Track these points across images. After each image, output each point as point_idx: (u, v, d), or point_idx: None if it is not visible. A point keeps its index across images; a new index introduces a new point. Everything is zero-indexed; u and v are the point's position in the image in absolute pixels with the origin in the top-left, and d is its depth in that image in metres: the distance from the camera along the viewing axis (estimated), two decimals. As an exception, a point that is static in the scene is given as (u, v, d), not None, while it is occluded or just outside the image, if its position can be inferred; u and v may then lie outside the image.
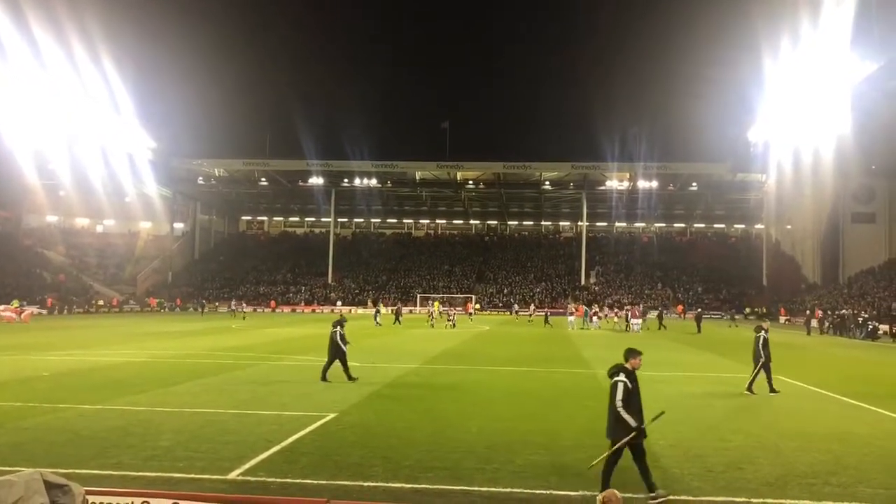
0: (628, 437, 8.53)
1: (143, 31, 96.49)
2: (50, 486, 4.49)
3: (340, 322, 19.48)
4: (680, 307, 79.29)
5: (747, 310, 79.84)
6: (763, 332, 18.16)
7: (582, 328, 50.40)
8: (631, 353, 9.12)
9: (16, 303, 59.36)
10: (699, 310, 56.02)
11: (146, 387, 17.37)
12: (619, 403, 8.54)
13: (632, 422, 8.54)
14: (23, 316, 52.56)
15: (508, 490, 8.90)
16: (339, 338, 18.92)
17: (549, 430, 12.56)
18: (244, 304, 71.65)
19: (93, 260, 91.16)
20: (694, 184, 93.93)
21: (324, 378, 18.46)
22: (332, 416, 13.67)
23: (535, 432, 12.35)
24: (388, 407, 15.08)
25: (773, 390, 17.72)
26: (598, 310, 58.82)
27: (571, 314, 52.84)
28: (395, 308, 58.88)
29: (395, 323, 52.62)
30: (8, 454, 10.27)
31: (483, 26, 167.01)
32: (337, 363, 18.84)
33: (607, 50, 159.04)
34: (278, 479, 9.18)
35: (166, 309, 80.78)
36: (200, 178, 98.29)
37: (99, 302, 77.30)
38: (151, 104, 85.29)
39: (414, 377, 20.39)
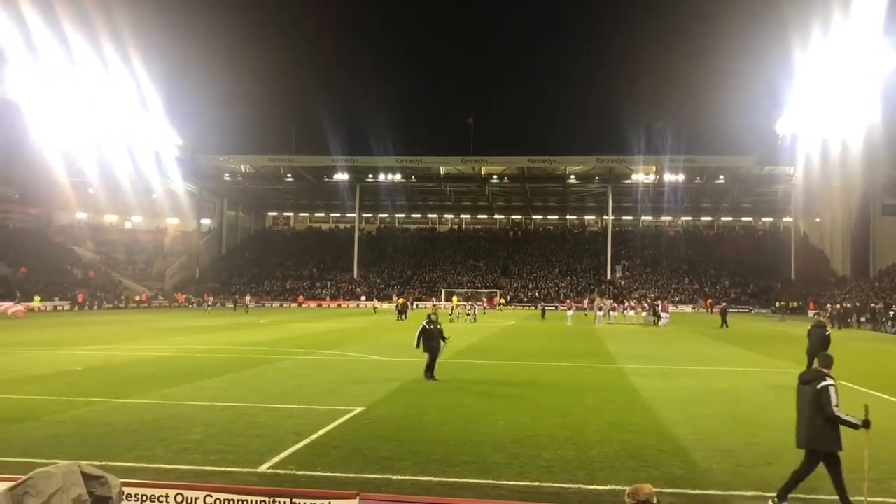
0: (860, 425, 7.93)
1: (172, 29, 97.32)
2: (87, 478, 4.59)
3: (434, 317, 18.88)
4: (707, 301, 78.69)
5: (778, 304, 79.02)
6: (824, 328, 18.38)
7: (609, 322, 50.18)
8: (830, 359, 8.59)
9: (37, 299, 60.31)
10: (724, 304, 55.51)
11: (177, 381, 17.61)
12: (835, 409, 7.95)
13: (855, 420, 7.99)
14: (10, 312, 52.15)
15: (537, 484, 8.92)
16: (417, 332, 18.56)
17: (576, 425, 12.56)
18: (248, 299, 72.50)
19: (121, 256, 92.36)
20: (721, 177, 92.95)
21: (431, 376, 18.05)
22: (359, 409, 13.77)
23: (561, 427, 12.36)
24: (415, 401, 15.16)
25: None
26: (616, 304, 58.12)
27: (600, 308, 52.74)
28: (401, 303, 55.52)
29: (399, 318, 50.93)
30: (45, 446, 10.48)
31: (507, 20, 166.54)
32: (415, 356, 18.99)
33: (633, 42, 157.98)
34: (308, 473, 9.28)
35: (194, 304, 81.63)
36: (227, 174, 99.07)
37: (135, 297, 78.28)
38: (178, 101, 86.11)
39: (440, 372, 20.44)
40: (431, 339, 18.26)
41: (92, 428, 11.96)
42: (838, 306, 53.12)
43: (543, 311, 57.84)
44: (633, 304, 58.01)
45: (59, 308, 65.47)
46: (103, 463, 9.26)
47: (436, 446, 10.79)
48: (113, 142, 77.87)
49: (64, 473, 4.60)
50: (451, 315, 54.37)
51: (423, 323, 18.47)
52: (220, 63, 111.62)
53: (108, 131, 77.23)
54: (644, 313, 54.22)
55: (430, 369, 18.10)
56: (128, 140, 79.60)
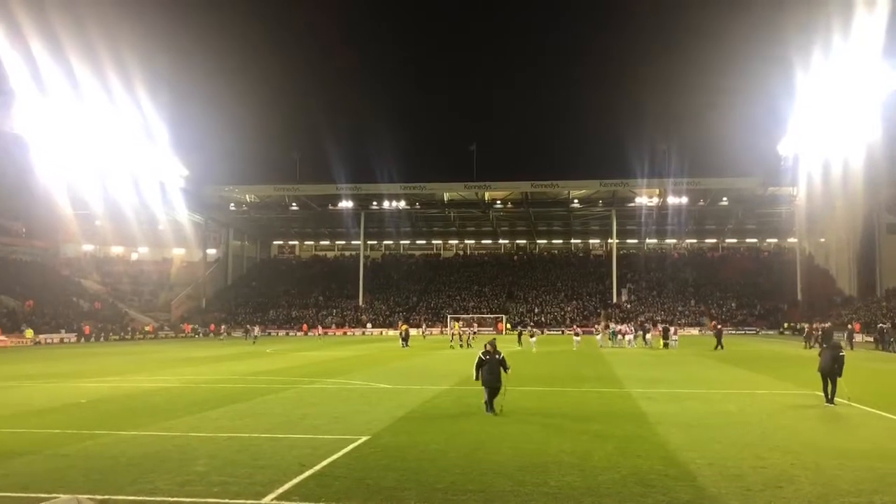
0: None
1: (176, 61, 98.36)
2: (87, 513, 4.56)
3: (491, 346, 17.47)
4: (713, 323, 78.33)
5: (785, 325, 78.63)
6: (839, 349, 18.41)
7: (613, 346, 49.95)
8: None
9: (30, 332, 60.39)
10: (719, 326, 55.24)
11: (181, 412, 17.53)
12: None
13: None
14: None
15: (542, 512, 8.82)
16: (475, 362, 17.35)
17: (582, 451, 12.44)
18: (257, 329, 72.29)
19: (127, 287, 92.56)
20: (724, 198, 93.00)
21: (491, 409, 16.73)
22: (364, 439, 13.67)
23: (567, 453, 12.24)
24: (420, 429, 15.05)
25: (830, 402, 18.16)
26: (622, 327, 57.66)
27: (629, 333, 52.53)
28: (404, 329, 54.09)
29: (403, 345, 50.32)
30: (47, 480, 10.41)
31: (509, 46, 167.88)
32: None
33: (634, 65, 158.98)
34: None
35: (200, 335, 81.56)
36: (232, 204, 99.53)
37: (142, 328, 78.31)
38: (183, 132, 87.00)
39: (445, 399, 20.34)
40: (491, 369, 16.76)
41: (95, 461, 11.89)
42: (822, 325, 52.44)
43: (520, 335, 53.97)
44: (627, 327, 57.22)
45: (65, 340, 65.49)
46: (105, 496, 9.21)
47: (441, 475, 10.69)
48: (118, 174, 78.47)
49: (62, 508, 4.59)
50: (451, 342, 53.98)
51: (480, 353, 17.14)
52: (224, 93, 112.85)
53: (114, 163, 77.86)
54: (634, 336, 53.61)
55: (489, 402, 16.74)
56: (133, 172, 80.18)
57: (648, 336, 52.55)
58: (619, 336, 52.55)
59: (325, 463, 11.53)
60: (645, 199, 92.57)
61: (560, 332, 78.72)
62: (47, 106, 69.68)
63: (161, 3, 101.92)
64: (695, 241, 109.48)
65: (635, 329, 56.00)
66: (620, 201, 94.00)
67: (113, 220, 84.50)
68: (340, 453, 12.30)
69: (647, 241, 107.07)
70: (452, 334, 56.71)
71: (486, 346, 17.28)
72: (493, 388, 16.76)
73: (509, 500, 9.29)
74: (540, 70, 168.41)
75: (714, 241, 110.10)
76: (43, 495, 9.41)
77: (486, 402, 16.82)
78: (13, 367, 33.71)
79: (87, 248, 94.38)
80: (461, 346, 50.94)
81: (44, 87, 68.32)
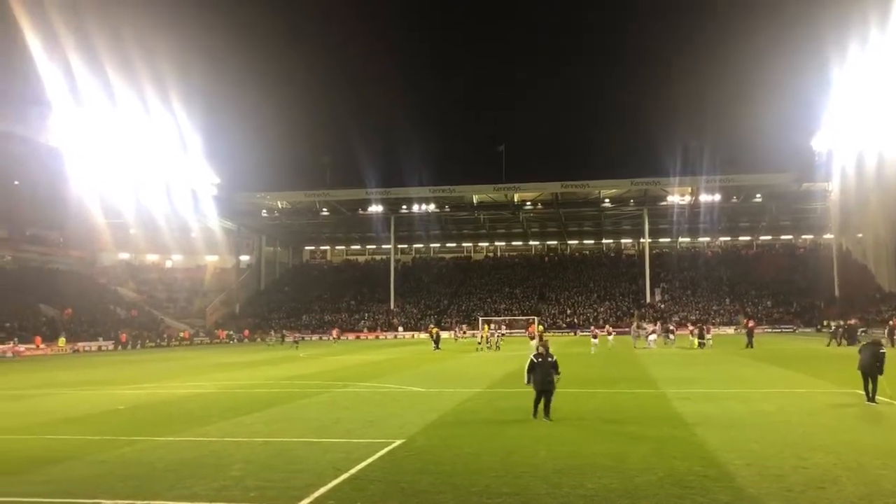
0: None
1: (209, 70, 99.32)
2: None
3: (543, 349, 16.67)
4: (747, 321, 77.22)
5: (825, 322, 77.28)
6: (879, 346, 18.03)
7: (643, 347, 49.29)
8: None
9: (62, 341, 61.45)
10: (750, 324, 54.22)
11: (216, 418, 17.68)
12: None
13: None
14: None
15: (579, 515, 8.73)
16: (526, 366, 16.46)
17: (618, 453, 12.30)
18: (295, 335, 72.27)
19: (163, 294, 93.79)
20: (758, 195, 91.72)
21: (546, 415, 15.94)
22: (398, 442, 13.67)
23: (603, 455, 12.12)
24: (453, 432, 15.01)
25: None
26: (648, 327, 56.75)
27: (653, 333, 51.82)
28: (434, 332, 54.76)
29: (435, 348, 50.63)
30: (88, 487, 10.54)
31: (537, 45, 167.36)
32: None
33: (666, 61, 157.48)
34: None
35: (234, 340, 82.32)
36: (264, 210, 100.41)
37: (178, 335, 79.31)
38: (215, 140, 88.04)
39: (478, 401, 20.28)
40: (542, 373, 15.99)
41: (134, 467, 12.02)
42: (847, 322, 51.23)
43: (541, 336, 54.47)
44: (653, 327, 56.27)
45: (102, 347, 66.50)
46: (143, 502, 9.30)
47: (476, 478, 10.64)
48: (152, 183, 79.73)
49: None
50: (479, 344, 53.54)
51: (532, 356, 16.42)
52: (254, 101, 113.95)
53: (148, 173, 79.10)
54: (661, 335, 52.87)
55: (544, 407, 15.98)
56: (167, 180, 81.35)
57: (672, 337, 51.59)
58: (644, 335, 51.74)
59: (360, 467, 11.54)
60: (677, 198, 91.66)
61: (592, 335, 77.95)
62: (82, 117, 71.04)
63: (194, 14, 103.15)
64: (728, 238, 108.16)
65: (664, 329, 55.23)
66: (652, 200, 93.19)
67: (147, 229, 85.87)
68: (375, 457, 12.31)
69: (680, 239, 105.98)
70: (481, 337, 56.08)
71: (538, 348, 16.68)
72: (545, 392, 16.02)
73: (546, 503, 9.22)
74: (569, 69, 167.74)
75: (748, 238, 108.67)
76: (85, 501, 9.55)
77: (535, 407, 16.12)
78: (52, 375, 34.31)
79: (123, 256, 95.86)
80: (488, 348, 50.66)
81: (79, 99, 69.68)
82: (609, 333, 49.78)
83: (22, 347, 58.47)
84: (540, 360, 16.10)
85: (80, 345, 64.17)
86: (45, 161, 70.82)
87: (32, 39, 64.39)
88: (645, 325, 58.69)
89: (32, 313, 69.48)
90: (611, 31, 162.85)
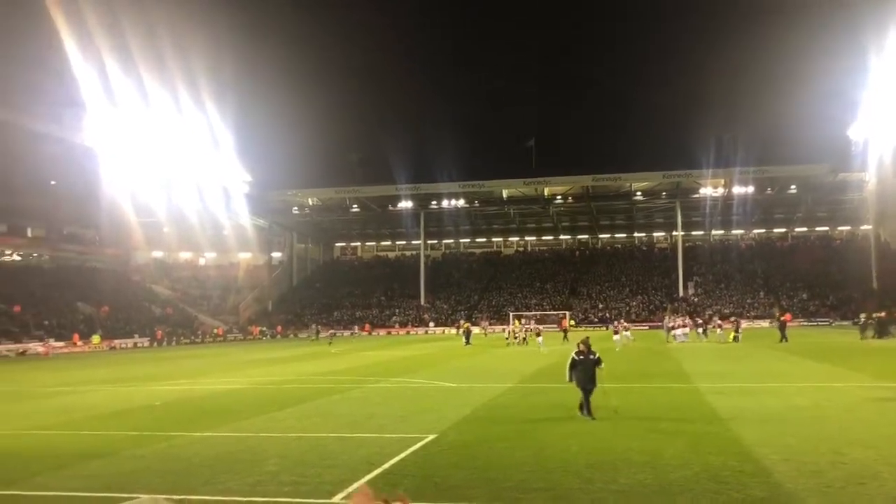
0: None
1: (241, 69, 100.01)
2: (165, 513, 4.66)
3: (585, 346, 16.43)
4: (788, 315, 76.14)
5: (863, 315, 75.81)
6: None
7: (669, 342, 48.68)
8: None
9: (96, 338, 62.36)
10: (783, 318, 53.36)
11: (251, 413, 17.88)
12: None
13: None
14: (43, 350, 55.40)
15: (613, 510, 8.69)
16: (567, 364, 16.32)
17: (652, 448, 12.22)
18: (318, 328, 72.35)
19: (196, 292, 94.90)
20: (793, 186, 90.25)
21: (587, 413, 15.71)
22: (431, 437, 13.71)
23: (637, 450, 12.04)
24: (486, 427, 15.02)
25: None
26: (678, 321, 55.90)
27: (683, 326, 51.26)
28: (466, 328, 55.23)
29: (466, 344, 50.46)
30: (125, 481, 10.73)
31: (566, 38, 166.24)
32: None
33: (696, 51, 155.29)
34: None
35: (267, 337, 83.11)
36: (295, 207, 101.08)
37: (211, 331, 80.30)
38: (245, 138, 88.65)
39: (510, 396, 20.27)
40: (585, 370, 15.81)
41: (171, 462, 12.21)
42: (878, 315, 50.17)
43: (565, 332, 54.20)
44: (682, 321, 55.35)
45: (138, 344, 67.51)
46: (181, 497, 9.44)
47: (508, 473, 10.64)
48: (185, 181, 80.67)
49: (142, 509, 4.70)
50: (507, 339, 53.23)
51: (573, 353, 16.20)
52: (284, 99, 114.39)
53: (181, 171, 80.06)
54: (693, 329, 52.20)
55: (585, 406, 15.73)
56: (199, 179, 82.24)
57: (700, 330, 50.89)
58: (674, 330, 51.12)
59: (393, 461, 11.60)
60: (710, 190, 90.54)
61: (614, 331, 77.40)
62: (116, 117, 72.11)
63: (226, 14, 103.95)
64: (762, 230, 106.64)
65: (696, 323, 54.46)
66: (684, 193, 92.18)
67: (180, 227, 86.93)
68: (408, 452, 12.36)
69: (713, 232, 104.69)
70: (510, 332, 55.77)
71: (578, 345, 16.31)
72: (588, 389, 15.73)
73: (578, 499, 9.19)
74: (598, 61, 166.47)
75: (783, 230, 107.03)
76: (124, 495, 9.72)
77: (581, 405, 15.81)
78: (90, 372, 34.91)
79: (157, 254, 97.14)
80: (516, 343, 50.29)
81: (113, 99, 70.75)
82: (626, 329, 47.76)
83: (60, 344, 59.55)
84: (581, 357, 15.90)
85: (116, 342, 65.18)
86: (81, 161, 72.00)
87: (68, 40, 65.49)
88: (676, 319, 58.01)
89: (70, 311, 70.74)
90: (641, 22, 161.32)
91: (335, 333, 70.74)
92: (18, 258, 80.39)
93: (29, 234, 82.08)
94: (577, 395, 16.45)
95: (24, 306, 65.75)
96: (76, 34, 65.72)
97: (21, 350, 56.08)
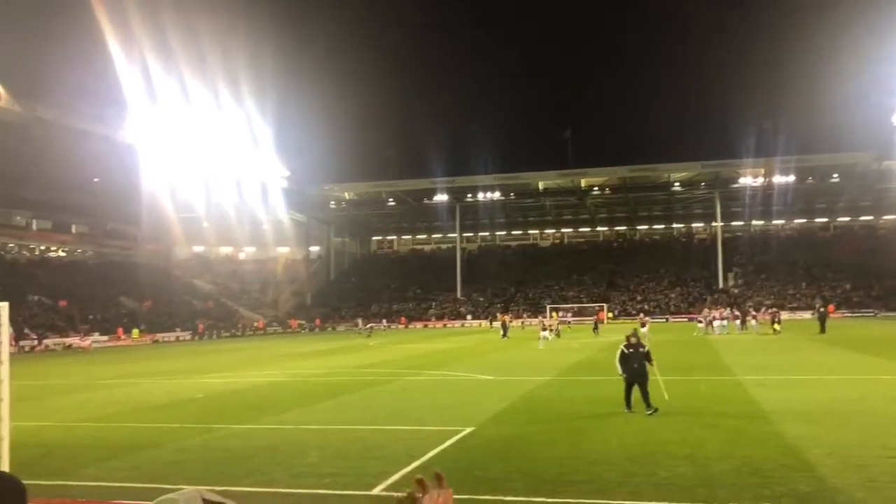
0: None
1: (279, 66, 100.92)
2: (209, 504, 4.75)
3: (627, 338, 16.09)
4: (831, 307, 74.70)
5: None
6: None
7: (705, 334, 48.00)
8: None
9: (136, 332, 63.45)
10: (822, 309, 52.27)
11: (291, 406, 18.09)
12: None
13: None
14: (86, 344, 56.23)
15: (654, 503, 8.64)
16: (616, 356, 15.96)
17: (692, 441, 12.11)
18: (358, 321, 72.63)
19: (236, 286, 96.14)
20: (835, 175, 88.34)
21: (627, 406, 15.40)
22: (469, 430, 13.74)
23: (677, 443, 11.94)
24: (524, 420, 15.01)
25: None
26: (715, 313, 55.00)
27: (724, 319, 50.57)
28: (504, 320, 55.58)
29: (503, 336, 50.43)
30: (169, 473, 10.95)
31: (601, 27, 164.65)
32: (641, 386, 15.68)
33: (734, 37, 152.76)
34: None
35: (306, 330, 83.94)
36: (332, 202, 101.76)
37: (252, 325, 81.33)
38: (283, 133, 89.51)
39: (548, 389, 20.22)
40: (634, 363, 15.48)
41: (213, 453, 12.42)
42: None
43: (596, 324, 53.92)
44: (717, 312, 54.44)
45: (180, 338, 68.65)
46: (224, 488, 9.59)
47: (547, 466, 10.63)
48: (225, 177, 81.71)
49: (186, 500, 4.79)
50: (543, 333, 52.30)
51: (622, 346, 15.90)
52: (321, 94, 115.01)
53: (221, 167, 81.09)
54: (732, 321, 51.41)
55: (643, 399, 15.25)
56: (238, 174, 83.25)
57: (738, 322, 50.12)
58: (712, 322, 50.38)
59: (432, 454, 11.65)
60: (750, 180, 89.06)
61: (665, 321, 76.90)
62: (157, 114, 73.28)
63: (265, 11, 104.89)
64: (804, 220, 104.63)
65: (734, 315, 53.67)
66: (724, 183, 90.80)
67: (220, 222, 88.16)
68: (447, 444, 12.41)
69: (753, 222, 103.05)
70: (541, 323, 54.70)
71: (628, 338, 15.91)
72: (638, 383, 15.38)
73: (618, 491, 9.15)
74: (634, 50, 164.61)
75: (825, 219, 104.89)
76: (168, 486, 9.91)
77: (626, 399, 15.45)
78: (135, 365, 35.61)
79: (198, 249, 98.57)
80: (556, 336, 49.70)
81: (154, 96, 71.93)
82: (643, 324, 43.47)
83: (105, 338, 60.85)
84: (631, 350, 15.58)
85: (158, 335, 66.39)
86: (123, 158, 73.31)
87: (111, 40, 66.67)
88: (713, 310, 57.23)
89: (114, 305, 72.20)
90: (679, 8, 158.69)
91: (373, 327, 71.15)
92: (64, 254, 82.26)
93: (73, 230, 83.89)
94: (615, 386, 16.33)
95: (70, 301, 67.27)
96: (119, 33, 66.88)
97: (67, 344, 57.41)
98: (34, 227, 79.61)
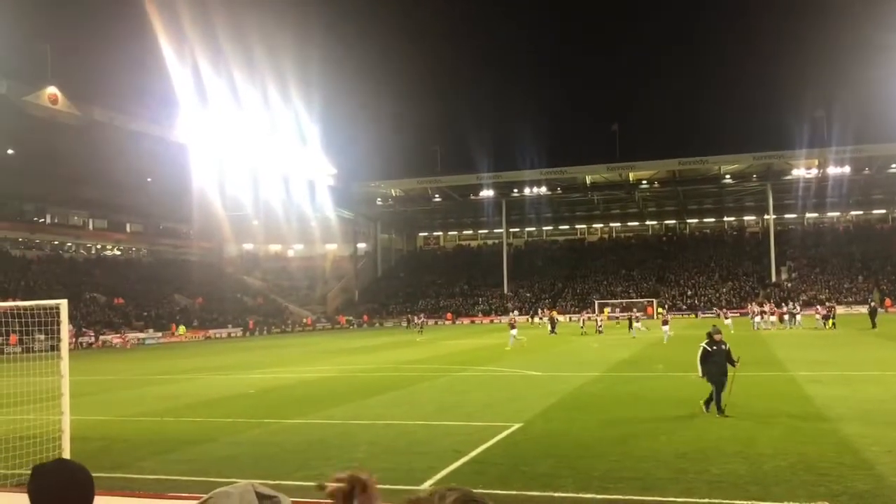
0: None
1: (326, 64, 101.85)
2: (261, 498, 4.82)
3: (709, 335, 15.04)
4: (888, 301, 72.65)
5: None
6: None
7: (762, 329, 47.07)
8: None
9: (182, 329, 64.50)
10: (872, 304, 50.70)
11: (340, 401, 18.30)
12: None
13: None
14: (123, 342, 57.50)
15: (706, 501, 8.53)
16: (698, 355, 14.81)
17: (745, 437, 11.92)
18: (422, 317, 72.97)
19: (286, 282, 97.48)
20: (893, 165, 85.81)
21: (720, 411, 14.15)
22: (517, 426, 13.73)
23: (728, 440, 11.77)
24: (572, 416, 14.95)
25: None
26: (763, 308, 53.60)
27: (762, 314, 49.54)
28: (552, 316, 55.00)
29: (551, 332, 49.48)
30: (223, 466, 11.18)
31: (651, 15, 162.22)
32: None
33: (785, 25, 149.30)
34: (418, 487, 9.32)
35: (354, 326, 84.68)
36: (378, 198, 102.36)
37: (304, 321, 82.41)
38: (330, 132, 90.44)
39: (597, 385, 20.08)
40: (718, 362, 14.42)
41: (265, 448, 12.64)
42: None
43: (630, 321, 47.63)
44: (761, 308, 52.89)
45: (231, 334, 69.86)
46: (276, 482, 9.76)
47: (596, 462, 10.58)
48: (273, 175, 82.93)
49: (240, 493, 4.89)
50: (582, 328, 51.32)
51: (703, 344, 14.79)
52: (367, 92, 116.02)
53: (269, 166, 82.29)
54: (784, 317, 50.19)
55: (716, 402, 14.25)
56: (287, 172, 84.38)
57: (786, 318, 48.83)
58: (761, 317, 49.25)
59: (480, 450, 11.68)
60: (803, 171, 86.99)
61: (715, 315, 75.70)
62: (207, 113, 74.70)
63: (312, 12, 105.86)
64: (860, 212, 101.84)
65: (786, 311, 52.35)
66: (776, 175, 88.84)
67: (269, 220, 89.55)
68: (494, 440, 12.43)
69: (807, 215, 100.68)
70: (583, 321, 53.82)
71: (710, 335, 14.81)
72: (720, 383, 14.27)
73: (669, 489, 9.06)
74: (683, 39, 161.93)
75: (883, 211, 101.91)
76: (221, 480, 10.12)
77: (706, 402, 14.39)
78: (188, 361, 36.37)
79: (248, 247, 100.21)
80: (599, 332, 48.89)
81: (204, 96, 73.33)
82: (665, 322, 40.41)
83: (159, 334, 62.29)
84: (714, 348, 14.49)
85: (210, 331, 67.68)
86: (175, 158, 74.89)
87: (163, 42, 68.22)
88: (760, 306, 55.98)
89: (168, 302, 73.82)
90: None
91: (425, 322, 71.41)
92: (119, 252, 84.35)
93: (128, 229, 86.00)
94: (664, 382, 16.15)
95: (125, 298, 68.97)
96: (171, 36, 68.42)
97: (122, 340, 58.84)
98: (91, 226, 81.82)
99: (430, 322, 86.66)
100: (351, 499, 1.40)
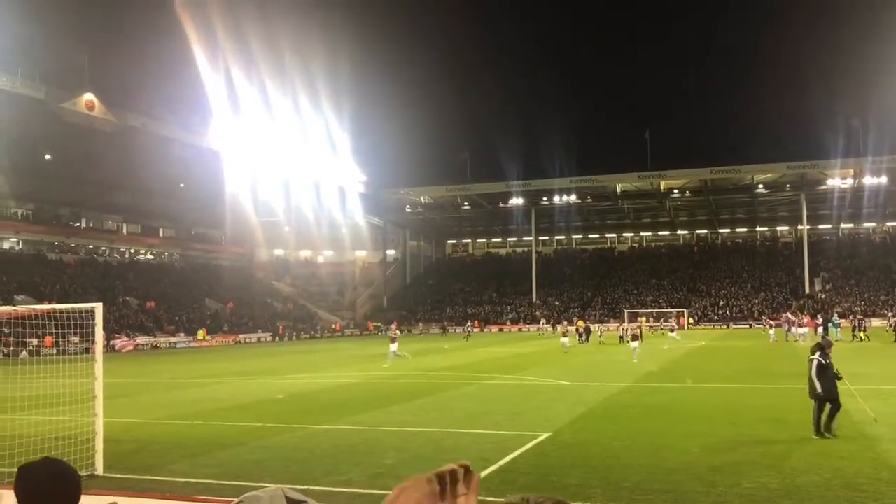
0: None
1: (356, 72, 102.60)
2: (291, 503, 4.86)
3: (822, 347, 13.70)
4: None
5: None
6: None
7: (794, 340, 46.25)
8: None
9: (201, 333, 65.00)
10: (894, 318, 49.50)
11: (368, 407, 18.33)
12: None
13: None
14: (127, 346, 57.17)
15: (737, 515, 8.41)
16: (814, 369, 13.11)
17: (778, 451, 11.73)
18: (444, 324, 72.94)
19: (315, 288, 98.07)
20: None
21: (818, 431, 12.73)
22: (546, 435, 13.65)
23: (761, 453, 11.59)
24: (602, 426, 14.82)
25: None
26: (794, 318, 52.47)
27: (801, 326, 48.63)
28: (581, 326, 55.04)
29: (581, 342, 49.23)
30: (252, 470, 11.25)
31: (682, 22, 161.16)
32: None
33: (819, 29, 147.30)
34: (497, 500, 9.27)
35: (383, 332, 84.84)
36: (408, 206, 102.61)
37: (333, 327, 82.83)
38: (360, 139, 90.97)
39: (627, 395, 19.90)
40: (831, 378, 13.01)
41: (293, 452, 12.70)
42: None
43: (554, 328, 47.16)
44: (793, 318, 51.61)
45: (261, 339, 70.40)
46: (304, 487, 9.79)
47: (626, 473, 10.47)
48: (304, 182, 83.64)
49: (270, 497, 4.91)
50: (621, 338, 50.53)
51: (817, 356, 13.23)
52: (396, 99, 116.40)
53: (300, 172, 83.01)
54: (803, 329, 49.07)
55: (830, 419, 12.86)
56: (317, 179, 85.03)
57: (797, 329, 47.57)
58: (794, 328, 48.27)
59: (508, 459, 11.62)
60: (838, 181, 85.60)
61: (748, 326, 74.86)
62: (240, 121, 75.59)
63: (342, 20, 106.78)
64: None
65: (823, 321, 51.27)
66: (810, 184, 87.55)
67: (300, 226, 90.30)
68: (523, 449, 12.36)
69: (842, 225, 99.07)
70: (623, 329, 53.06)
71: (822, 348, 13.51)
72: (832, 400, 12.90)
73: (700, 501, 8.95)
74: (715, 46, 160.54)
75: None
76: (251, 484, 10.19)
77: (829, 420, 12.84)
78: (219, 365, 36.69)
79: (278, 252, 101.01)
80: (628, 341, 48.18)
81: (236, 103, 74.29)
82: (672, 329, 38.55)
83: (190, 339, 62.98)
84: (828, 361, 13.16)
85: (241, 336, 68.27)
86: (207, 164, 75.77)
87: (196, 50, 69.22)
88: (792, 317, 54.97)
89: (199, 307, 74.60)
90: (761, 3, 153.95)
91: (472, 329, 71.52)
92: (151, 257, 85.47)
93: (161, 234, 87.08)
94: (697, 393, 15.90)
95: (158, 302, 69.84)
96: (204, 43, 69.38)
97: (154, 343, 59.44)
98: (124, 230, 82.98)
99: (458, 330, 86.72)
100: (456, 480, 1.41)
